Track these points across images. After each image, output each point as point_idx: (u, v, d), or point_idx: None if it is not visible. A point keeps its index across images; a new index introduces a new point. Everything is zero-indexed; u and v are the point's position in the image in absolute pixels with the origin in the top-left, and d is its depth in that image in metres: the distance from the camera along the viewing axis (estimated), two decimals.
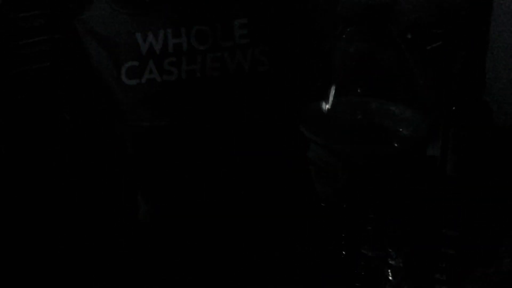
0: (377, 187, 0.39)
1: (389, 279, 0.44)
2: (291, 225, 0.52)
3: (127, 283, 0.48)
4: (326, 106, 0.41)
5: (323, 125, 0.40)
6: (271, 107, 0.51)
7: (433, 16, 0.54)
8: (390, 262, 0.44)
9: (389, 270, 0.44)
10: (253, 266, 0.49)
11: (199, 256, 0.50)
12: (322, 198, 0.40)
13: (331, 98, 0.41)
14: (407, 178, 0.41)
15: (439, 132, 0.53)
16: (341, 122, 0.40)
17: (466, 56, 0.52)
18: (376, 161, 0.38)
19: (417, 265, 0.45)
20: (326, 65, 0.41)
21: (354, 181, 0.38)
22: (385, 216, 0.42)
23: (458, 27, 0.56)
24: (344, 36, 0.39)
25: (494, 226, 0.51)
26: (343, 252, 0.43)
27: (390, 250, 0.44)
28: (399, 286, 0.44)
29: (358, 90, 0.40)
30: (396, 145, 0.39)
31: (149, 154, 0.55)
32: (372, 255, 0.44)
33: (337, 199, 0.39)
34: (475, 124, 0.52)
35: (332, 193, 0.39)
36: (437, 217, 0.52)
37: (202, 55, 0.49)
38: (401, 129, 0.40)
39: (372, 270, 0.44)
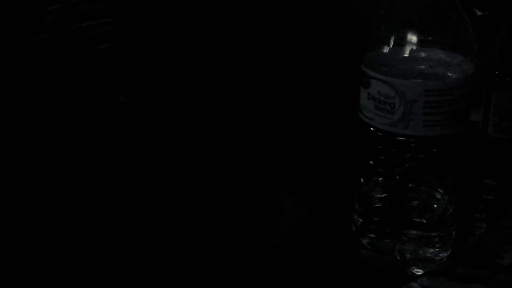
0: (430, 121, 0.45)
1: (435, 209, 0.50)
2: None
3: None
4: (384, 51, 0.48)
5: (383, 65, 0.47)
6: None
7: None
8: (437, 196, 0.51)
9: (435, 204, 0.51)
10: None
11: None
12: (379, 129, 0.47)
13: (389, 46, 0.48)
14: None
15: (481, 99, 0.59)
16: (398, 65, 0.47)
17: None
18: (429, 95, 0.44)
19: (460, 204, 0.51)
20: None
21: (409, 112, 0.45)
22: (433, 152, 0.48)
23: None
24: None
25: None
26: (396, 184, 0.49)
27: (436, 186, 0.51)
28: (442, 217, 0.50)
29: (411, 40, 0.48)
30: (445, 83, 0.45)
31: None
32: (419, 189, 0.50)
33: (393, 129, 0.46)
34: None
35: (389, 123, 0.46)
36: (479, 169, 0.59)
37: None
38: (449, 73, 0.47)
39: (420, 203, 0.50)
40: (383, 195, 0.50)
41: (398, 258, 0.49)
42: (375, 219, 0.50)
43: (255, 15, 0.73)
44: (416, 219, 0.49)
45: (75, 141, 0.63)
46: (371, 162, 0.50)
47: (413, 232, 0.49)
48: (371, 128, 0.47)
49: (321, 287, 0.49)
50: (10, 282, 0.48)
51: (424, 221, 0.49)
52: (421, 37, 0.47)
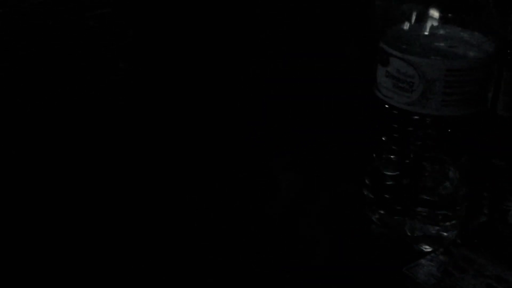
0: (449, 101, 0.45)
1: (447, 187, 0.50)
2: None
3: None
4: (404, 28, 0.47)
5: (403, 43, 0.46)
6: None
7: None
8: (449, 174, 0.51)
9: (447, 183, 0.51)
10: None
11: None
12: (396, 107, 0.47)
13: (409, 22, 0.47)
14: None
15: None
16: (418, 43, 0.47)
17: None
18: (449, 74, 0.44)
19: (470, 180, 0.52)
20: None
21: (428, 92, 0.45)
22: (448, 131, 0.48)
23: None
24: None
25: None
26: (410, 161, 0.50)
27: (449, 165, 0.51)
28: (454, 196, 0.50)
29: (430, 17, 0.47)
30: (467, 62, 0.45)
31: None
32: (433, 167, 0.50)
33: (411, 108, 0.46)
34: None
35: (407, 102, 0.46)
36: (488, 149, 0.59)
37: None
38: (469, 53, 0.46)
39: (432, 181, 0.51)
40: (395, 173, 0.50)
41: (408, 234, 0.50)
42: (386, 196, 0.50)
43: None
44: (427, 197, 0.49)
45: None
46: (383, 139, 0.50)
47: (424, 209, 0.49)
48: (386, 106, 0.47)
49: (322, 260, 0.49)
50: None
51: (435, 199, 0.49)
52: (442, 14, 0.46)
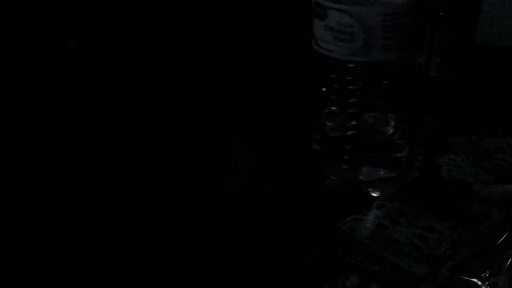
0: (389, 46, 0.47)
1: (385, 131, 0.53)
2: None
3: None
4: None
5: None
6: None
7: None
8: (387, 119, 0.53)
9: (385, 127, 0.53)
10: None
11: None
12: (339, 59, 0.48)
13: None
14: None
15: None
16: None
17: None
18: (387, 19, 0.46)
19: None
20: None
21: (369, 39, 0.47)
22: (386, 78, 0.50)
23: None
24: None
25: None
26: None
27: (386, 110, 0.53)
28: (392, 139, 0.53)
29: None
30: (399, 7, 0.47)
31: None
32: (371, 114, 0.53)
33: (353, 57, 0.48)
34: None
35: (349, 52, 0.48)
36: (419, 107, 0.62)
37: None
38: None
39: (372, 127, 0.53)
40: (338, 124, 0.52)
41: (361, 180, 0.52)
42: (333, 147, 0.52)
43: None
44: (368, 141, 0.52)
45: None
46: (323, 89, 0.52)
47: (370, 154, 0.52)
48: (330, 61, 0.49)
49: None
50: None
51: (379, 143, 0.52)
52: None
